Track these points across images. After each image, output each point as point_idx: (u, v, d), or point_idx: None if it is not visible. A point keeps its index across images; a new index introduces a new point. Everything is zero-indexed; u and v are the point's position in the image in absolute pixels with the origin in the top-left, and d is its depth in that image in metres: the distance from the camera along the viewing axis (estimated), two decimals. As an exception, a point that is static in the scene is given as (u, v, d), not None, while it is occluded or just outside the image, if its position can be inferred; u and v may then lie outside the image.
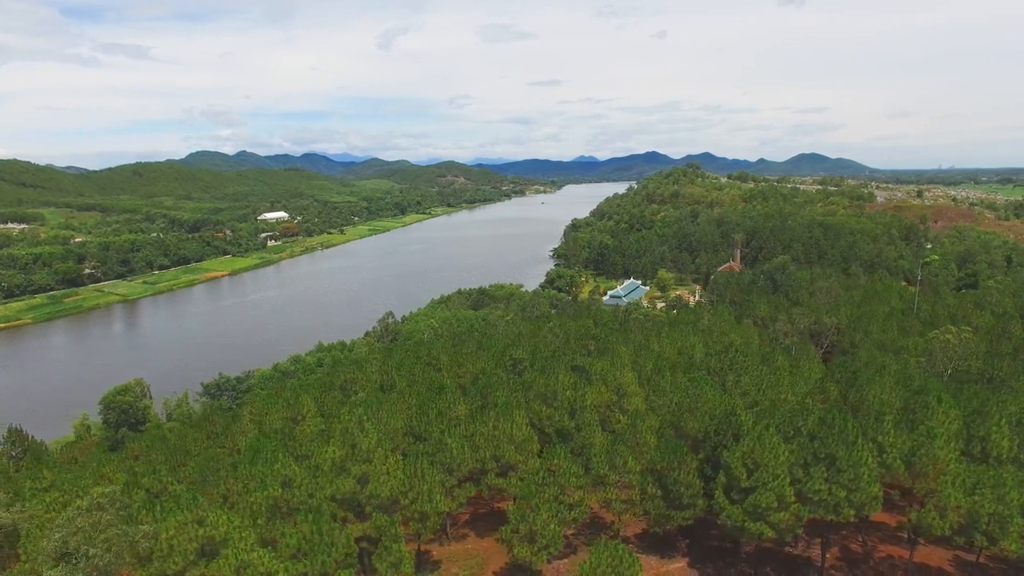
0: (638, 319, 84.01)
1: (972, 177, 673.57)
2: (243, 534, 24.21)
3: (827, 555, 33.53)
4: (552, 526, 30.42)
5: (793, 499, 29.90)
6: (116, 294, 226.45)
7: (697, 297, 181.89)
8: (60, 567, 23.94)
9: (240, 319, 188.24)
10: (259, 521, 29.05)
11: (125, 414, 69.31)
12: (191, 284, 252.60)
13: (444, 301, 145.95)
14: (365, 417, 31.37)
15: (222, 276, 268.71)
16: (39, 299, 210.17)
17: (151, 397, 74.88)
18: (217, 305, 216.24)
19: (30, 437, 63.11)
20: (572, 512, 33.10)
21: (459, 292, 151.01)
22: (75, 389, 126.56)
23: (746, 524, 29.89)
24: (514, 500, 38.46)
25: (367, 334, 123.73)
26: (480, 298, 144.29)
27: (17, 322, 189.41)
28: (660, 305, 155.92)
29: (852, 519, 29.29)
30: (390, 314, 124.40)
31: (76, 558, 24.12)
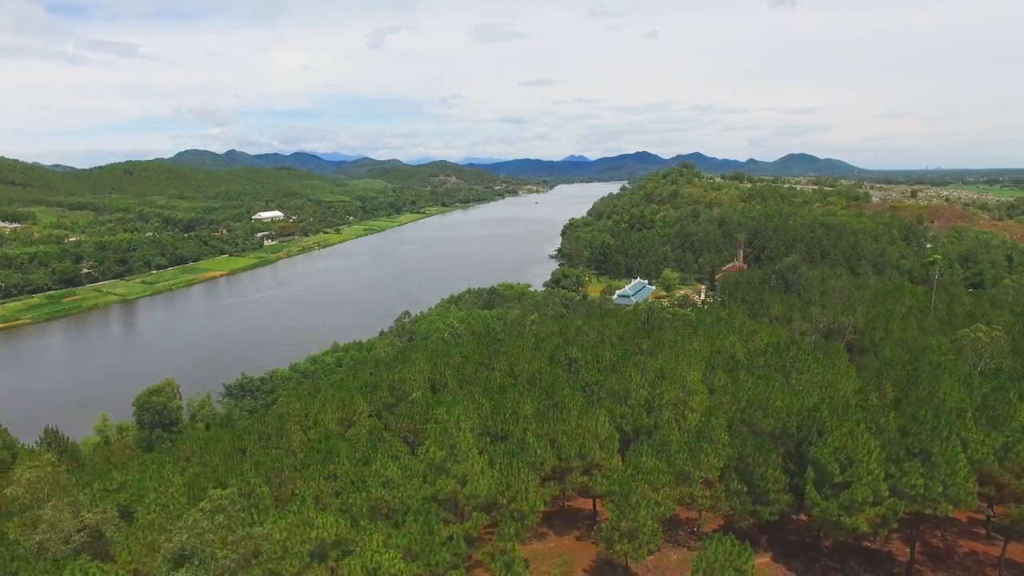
0: (665, 318, 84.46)
1: (960, 178, 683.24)
2: (371, 536, 24.15)
3: (908, 549, 34.10)
4: (650, 523, 30.71)
5: (887, 494, 30.41)
6: (115, 294, 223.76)
7: (703, 296, 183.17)
8: (184, 569, 23.75)
9: (244, 319, 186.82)
10: (362, 523, 29.06)
11: (159, 415, 68.71)
12: (190, 284, 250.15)
13: (455, 300, 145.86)
14: (461, 418, 31.43)
15: (220, 276, 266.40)
16: (37, 299, 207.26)
17: (180, 398, 74.27)
18: (218, 305, 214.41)
19: (67, 439, 62.32)
20: (660, 509, 33.42)
21: (469, 291, 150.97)
22: (81, 390, 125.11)
23: (841, 519, 30.31)
24: (594, 499, 38.78)
25: (382, 333, 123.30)
26: (491, 298, 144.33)
27: (16, 322, 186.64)
28: (666, 304, 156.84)
29: (950, 514, 29.81)
30: (406, 313, 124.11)
31: (199, 560, 23.95)
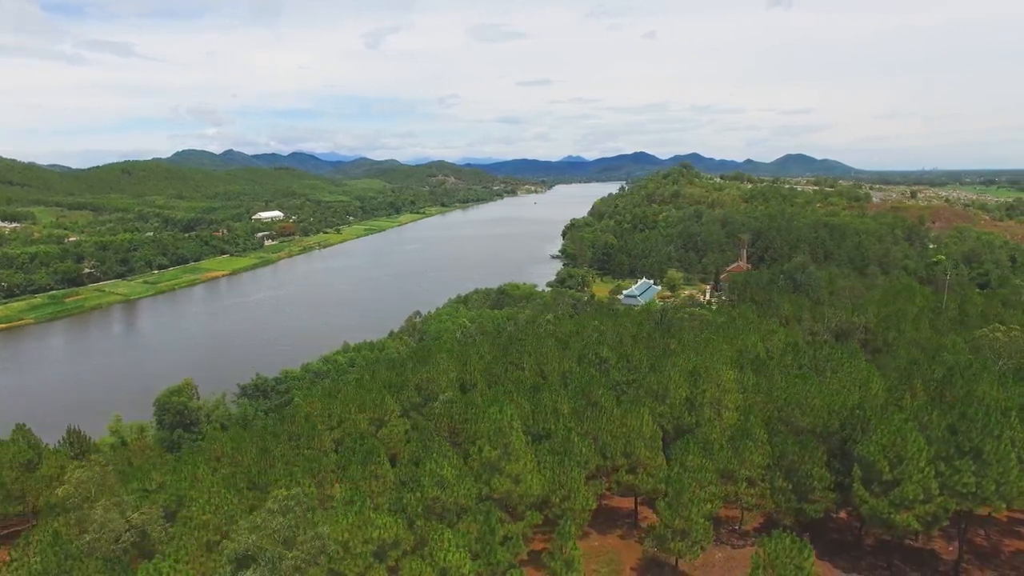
0: (682, 318, 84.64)
1: (956, 179, 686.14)
2: (442, 535, 24.14)
3: (952, 548, 34.32)
4: (702, 521, 30.83)
5: (937, 492, 30.59)
6: (117, 294, 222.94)
7: (707, 296, 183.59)
8: (251, 570, 23.70)
9: (248, 319, 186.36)
10: (418, 522, 29.07)
11: (180, 415, 68.50)
12: (192, 284, 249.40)
13: (463, 300, 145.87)
14: (514, 417, 31.47)
15: (222, 276, 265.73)
16: (39, 299, 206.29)
17: (199, 398, 74.08)
18: (222, 305, 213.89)
19: (89, 439, 62.07)
20: (707, 507, 33.53)
21: (477, 291, 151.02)
22: (88, 390, 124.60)
23: (892, 516, 30.49)
24: (635, 497, 38.87)
25: (391, 333, 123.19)
26: (500, 298, 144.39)
27: (19, 322, 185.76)
28: (672, 304, 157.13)
29: (1001, 512, 30.01)
30: (416, 313, 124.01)
31: (266, 561, 23.90)
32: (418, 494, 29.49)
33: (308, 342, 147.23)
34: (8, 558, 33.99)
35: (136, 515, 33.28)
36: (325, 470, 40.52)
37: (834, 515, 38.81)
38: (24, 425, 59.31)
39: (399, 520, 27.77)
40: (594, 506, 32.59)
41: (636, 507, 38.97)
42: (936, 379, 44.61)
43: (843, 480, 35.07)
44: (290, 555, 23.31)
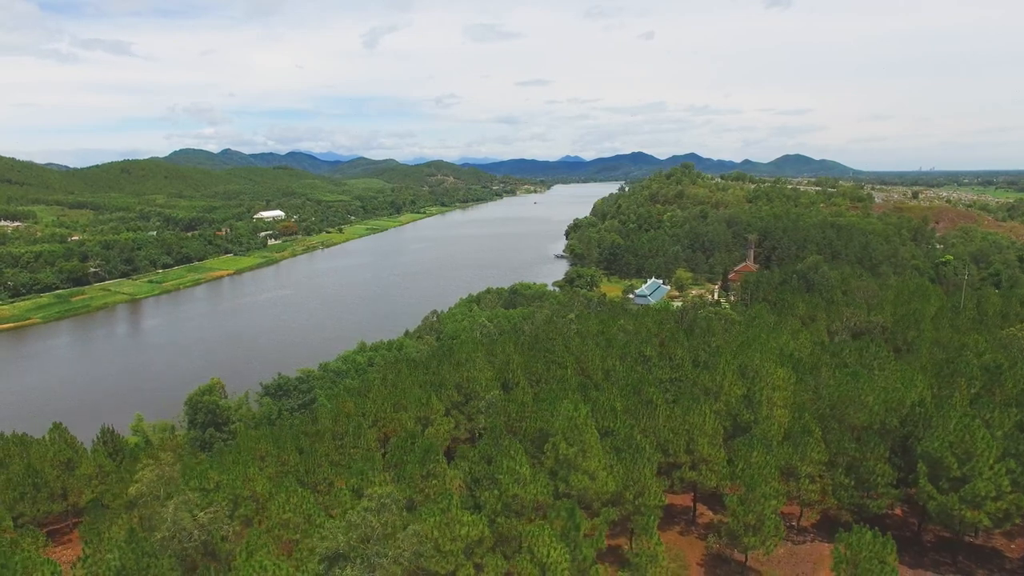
0: (708, 317, 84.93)
1: (954, 179, 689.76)
2: (542, 530, 24.26)
3: (1014, 546, 34.61)
4: (774, 516, 31.04)
5: (1009, 488, 30.87)
6: (123, 293, 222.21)
7: (715, 296, 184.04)
8: (348, 568, 23.71)
9: (260, 319, 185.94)
10: (498, 520, 29.19)
11: (212, 414, 68.42)
12: (196, 283, 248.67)
13: (476, 300, 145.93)
14: (588, 414, 31.62)
15: (226, 275, 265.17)
16: (45, 298, 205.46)
17: (226, 397, 74.04)
18: (229, 305, 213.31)
19: (123, 438, 61.87)
20: (773, 502, 33.73)
21: (488, 291, 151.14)
22: (100, 390, 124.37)
23: (964, 513, 30.75)
24: (694, 494, 39.04)
25: (407, 332, 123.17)
26: (512, 297, 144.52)
27: (26, 322, 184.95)
28: (679, 304, 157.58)
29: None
30: (434, 313, 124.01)
31: (361, 560, 23.92)
32: (495, 492, 29.57)
33: (321, 341, 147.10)
34: (76, 555, 34.10)
35: (203, 514, 33.28)
36: (376, 469, 40.67)
37: (889, 511, 39.13)
38: (60, 424, 59.26)
39: (482, 518, 27.90)
40: (665, 502, 32.76)
41: (695, 504, 39.15)
42: (979, 377, 44.88)
43: (905, 477, 35.40)
44: (390, 553, 23.33)
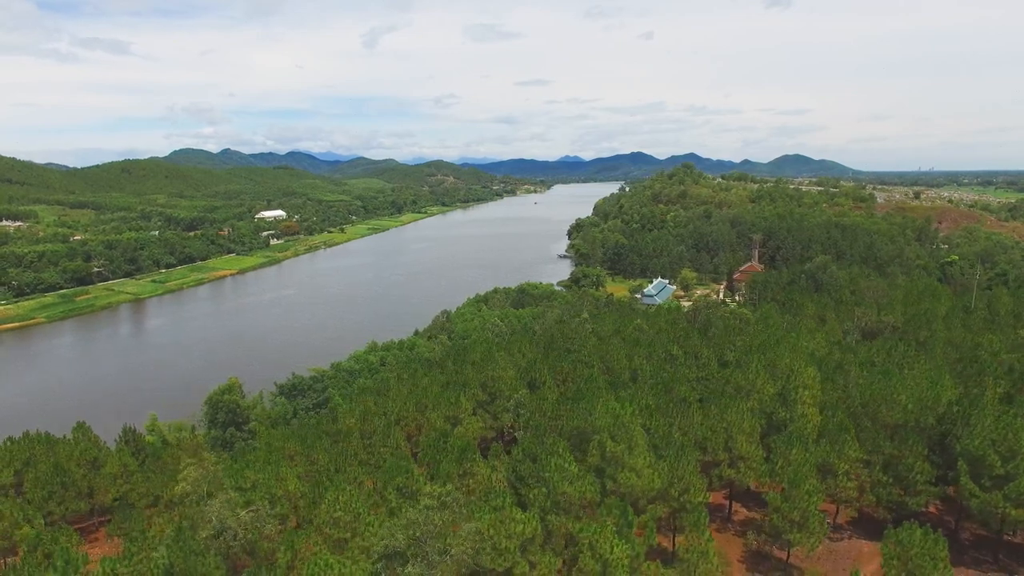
0: (724, 317, 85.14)
1: (954, 179, 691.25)
2: (604, 526, 24.37)
3: (1051, 541, 34.80)
4: (817, 512, 31.20)
5: (1051, 486, 31.02)
6: (127, 292, 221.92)
7: (720, 296, 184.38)
8: (409, 565, 23.79)
9: (265, 318, 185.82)
10: (549, 517, 29.29)
11: (232, 414, 68.51)
12: (200, 283, 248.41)
13: (484, 299, 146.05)
14: (634, 412, 31.74)
15: (229, 275, 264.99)
16: (50, 298, 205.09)
17: (244, 396, 74.10)
18: (235, 304, 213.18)
19: (145, 438, 61.88)
20: (814, 499, 33.87)
21: (496, 291, 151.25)
22: (110, 389, 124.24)
23: (1008, 511, 30.94)
24: (729, 491, 39.17)
25: (416, 332, 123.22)
26: (521, 297, 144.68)
27: (31, 321, 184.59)
28: (685, 304, 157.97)
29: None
30: (444, 312, 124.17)
31: (422, 557, 24.01)
32: (543, 490, 29.67)
33: (324, 341, 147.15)
34: (104, 553, 34.12)
35: (244, 513, 33.37)
36: (406, 468, 40.73)
37: (924, 509, 39.31)
38: (84, 423, 59.27)
39: (534, 516, 28.00)
40: (709, 499, 32.92)
41: (730, 501, 39.31)
42: (1004, 377, 45.15)
43: (944, 474, 35.58)
44: (452, 551, 23.42)
